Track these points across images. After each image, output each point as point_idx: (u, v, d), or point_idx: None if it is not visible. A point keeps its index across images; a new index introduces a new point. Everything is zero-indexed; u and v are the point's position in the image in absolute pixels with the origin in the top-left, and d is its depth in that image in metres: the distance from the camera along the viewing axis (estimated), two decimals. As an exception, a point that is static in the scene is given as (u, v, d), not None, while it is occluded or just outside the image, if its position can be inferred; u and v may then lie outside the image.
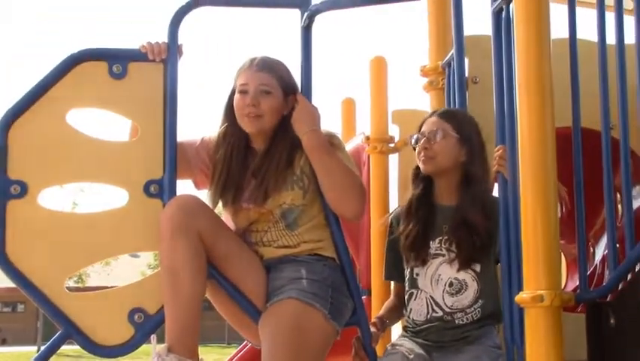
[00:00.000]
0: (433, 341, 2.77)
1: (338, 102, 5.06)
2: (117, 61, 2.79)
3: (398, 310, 2.97)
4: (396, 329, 3.15)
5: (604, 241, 3.65)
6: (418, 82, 3.70)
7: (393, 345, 2.82)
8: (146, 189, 2.76)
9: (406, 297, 2.87)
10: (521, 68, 2.36)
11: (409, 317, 2.86)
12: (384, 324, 2.95)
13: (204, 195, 2.87)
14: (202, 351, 2.68)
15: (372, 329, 2.86)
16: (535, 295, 2.24)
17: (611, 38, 2.58)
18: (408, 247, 2.84)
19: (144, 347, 2.78)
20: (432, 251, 2.82)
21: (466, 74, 3.30)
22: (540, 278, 2.26)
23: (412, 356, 2.70)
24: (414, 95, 4.23)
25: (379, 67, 4.09)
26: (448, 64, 3.43)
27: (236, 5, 3.05)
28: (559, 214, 2.38)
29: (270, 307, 2.66)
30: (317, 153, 2.74)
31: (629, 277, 2.50)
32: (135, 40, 2.85)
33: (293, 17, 2.85)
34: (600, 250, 3.78)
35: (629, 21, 2.58)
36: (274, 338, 2.59)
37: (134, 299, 2.74)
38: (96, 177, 2.85)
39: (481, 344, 2.69)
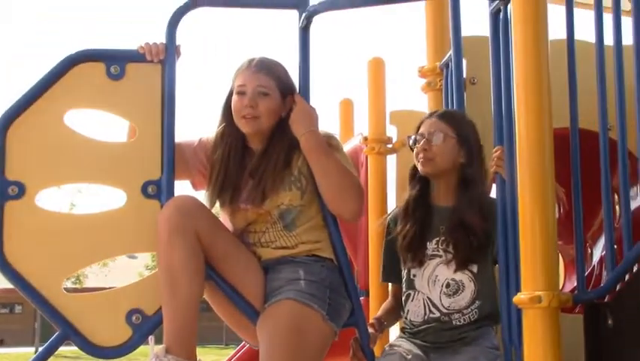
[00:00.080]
0: (430, 342, 2.77)
1: (336, 103, 5.06)
2: (115, 62, 2.79)
3: (396, 311, 2.97)
4: (394, 330, 3.15)
5: (601, 241, 3.65)
6: (415, 83, 3.71)
7: (391, 346, 2.82)
8: (144, 189, 2.75)
9: (403, 298, 2.87)
10: (519, 68, 2.36)
11: (406, 318, 2.86)
12: (382, 325, 2.95)
13: (202, 195, 2.87)
14: (200, 352, 2.68)
15: (370, 330, 2.86)
16: (533, 296, 2.25)
17: (608, 39, 2.58)
18: (405, 247, 2.84)
19: (142, 348, 2.78)
20: (429, 252, 2.82)
21: (464, 75, 3.31)
22: (538, 279, 2.26)
23: (409, 357, 2.70)
24: (412, 96, 4.23)
25: (377, 68, 4.09)
26: (446, 65, 3.44)
27: (234, 6, 3.05)
28: (556, 215, 2.39)
29: (268, 308, 2.66)
30: (315, 153, 2.74)
31: (627, 277, 2.50)
32: (136, 41, 2.84)
33: (291, 18, 2.86)
34: (598, 251, 3.78)
35: (626, 22, 2.58)
36: (272, 339, 2.59)
37: (132, 300, 2.74)
38: (94, 177, 2.85)
39: (478, 345, 2.69)
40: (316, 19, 2.83)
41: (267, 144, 2.82)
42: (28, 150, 2.73)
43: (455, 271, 2.77)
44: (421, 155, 2.82)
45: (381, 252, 3.04)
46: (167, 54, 2.79)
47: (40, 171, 2.75)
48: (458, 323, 2.75)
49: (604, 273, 3.17)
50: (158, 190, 2.75)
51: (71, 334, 2.70)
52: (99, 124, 3.17)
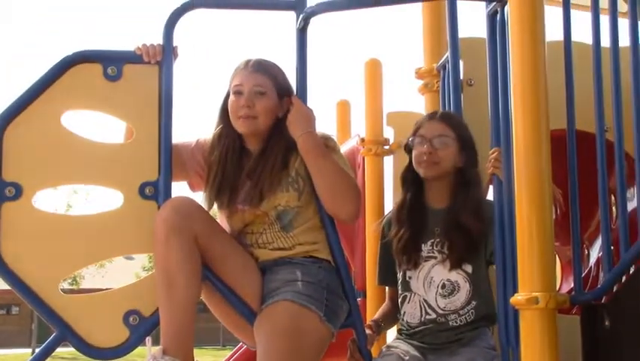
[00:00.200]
0: (427, 343, 2.77)
1: (333, 104, 5.07)
2: (112, 63, 2.79)
3: (393, 314, 2.97)
4: (392, 332, 3.16)
5: (598, 243, 3.66)
6: (412, 84, 3.71)
7: (388, 347, 2.83)
8: (141, 191, 2.75)
9: (400, 300, 2.88)
10: (516, 70, 2.36)
11: (403, 320, 2.87)
12: (380, 328, 2.95)
13: (199, 197, 2.87)
14: (197, 353, 2.67)
15: (368, 331, 2.86)
16: (530, 297, 2.25)
17: (605, 41, 2.58)
18: (400, 250, 2.84)
19: (139, 349, 2.78)
20: (424, 254, 2.82)
21: (461, 77, 3.31)
22: (535, 280, 2.27)
23: (407, 358, 2.70)
24: (409, 98, 4.23)
25: (374, 69, 4.10)
26: (443, 66, 3.44)
27: (231, 7, 3.05)
28: (553, 216, 2.39)
29: (265, 309, 2.66)
30: (312, 155, 2.74)
31: (624, 279, 2.50)
32: (133, 42, 2.84)
33: (288, 19, 2.86)
34: (595, 252, 3.79)
35: (623, 24, 2.58)
36: (269, 340, 2.59)
37: (129, 301, 2.73)
38: (91, 179, 2.85)
39: (475, 346, 2.69)
40: (313, 20, 2.83)
41: (264, 145, 2.83)
42: (25, 151, 2.73)
43: (450, 269, 2.77)
44: (424, 158, 2.82)
45: (377, 254, 3.04)
46: (165, 55, 2.78)
47: (37, 172, 2.74)
48: (455, 324, 2.76)
49: (601, 274, 3.17)
50: (156, 191, 2.75)
51: (68, 335, 2.70)
52: (96, 125, 3.18)
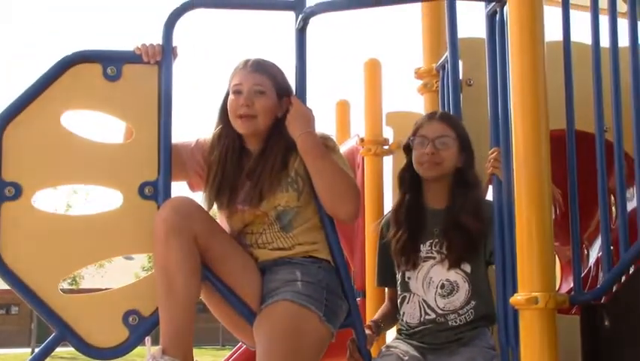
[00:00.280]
0: (427, 343, 2.77)
1: (332, 104, 5.07)
2: (112, 63, 2.79)
3: (392, 315, 2.97)
4: (391, 332, 3.16)
5: (598, 243, 3.66)
6: (412, 84, 3.71)
7: (387, 347, 2.83)
8: (141, 191, 2.75)
9: (399, 301, 2.88)
10: (515, 70, 2.36)
11: (402, 320, 2.87)
12: (379, 328, 2.95)
13: (199, 197, 2.87)
14: (196, 353, 2.68)
15: (367, 331, 2.86)
16: (530, 297, 2.25)
17: (604, 41, 2.58)
18: (398, 251, 2.84)
19: (139, 349, 2.78)
20: (422, 254, 2.82)
21: (460, 77, 3.31)
22: (534, 280, 2.27)
23: (406, 358, 2.70)
24: (408, 98, 4.24)
25: (374, 69, 4.10)
26: (442, 66, 3.44)
27: (231, 7, 3.05)
28: (553, 216, 2.39)
29: (265, 309, 2.66)
30: (311, 155, 2.74)
31: (623, 279, 2.50)
32: (133, 41, 2.84)
33: (288, 19, 2.86)
34: (594, 252, 3.79)
35: (622, 24, 2.58)
36: (269, 340, 2.59)
37: (128, 301, 2.73)
38: (91, 178, 2.85)
39: (475, 346, 2.70)
40: (313, 20, 2.83)
41: (264, 145, 2.83)
42: (25, 150, 2.73)
43: (449, 268, 2.77)
44: (427, 158, 2.82)
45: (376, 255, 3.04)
46: (164, 55, 2.78)
47: (37, 172, 2.74)
48: (454, 324, 2.76)
49: (600, 274, 3.17)
50: (155, 191, 2.75)
51: (68, 335, 2.70)
52: (96, 125, 3.17)
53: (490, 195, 2.77)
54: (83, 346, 2.71)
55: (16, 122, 2.73)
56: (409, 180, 2.90)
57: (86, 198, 26.80)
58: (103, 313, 2.73)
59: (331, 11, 2.88)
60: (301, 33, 2.85)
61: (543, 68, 2.34)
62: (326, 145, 2.79)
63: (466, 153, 2.85)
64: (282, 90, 2.84)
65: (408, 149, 2.90)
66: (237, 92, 2.80)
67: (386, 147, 4.06)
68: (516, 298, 2.30)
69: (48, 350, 2.73)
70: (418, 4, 3.73)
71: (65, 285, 24.47)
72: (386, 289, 3.07)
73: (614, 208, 3.38)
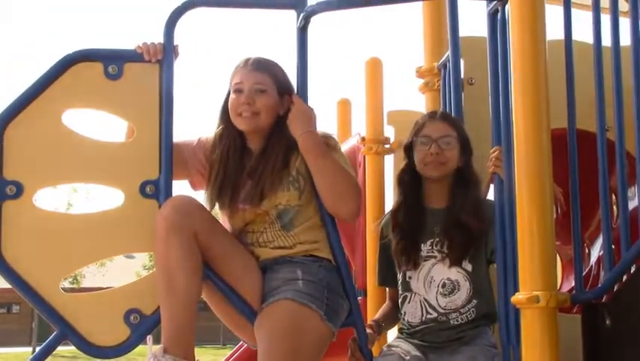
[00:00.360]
0: (428, 341, 2.77)
1: (334, 103, 5.06)
2: (113, 62, 2.79)
3: (394, 314, 2.97)
4: (393, 331, 3.16)
5: (599, 242, 3.66)
6: (413, 83, 3.71)
7: (389, 346, 2.83)
8: (142, 189, 2.75)
9: (400, 300, 2.88)
10: (517, 69, 2.36)
11: (404, 320, 2.87)
12: (381, 328, 2.95)
13: (201, 195, 2.87)
14: (197, 352, 2.67)
15: (368, 330, 2.86)
16: (531, 296, 2.25)
17: (606, 40, 2.58)
18: (399, 251, 2.84)
19: (140, 348, 2.78)
20: (423, 254, 2.82)
21: (462, 76, 3.31)
22: (536, 279, 2.27)
23: (408, 358, 2.70)
24: (409, 96, 4.23)
25: (375, 68, 4.09)
26: (444, 65, 3.44)
27: (232, 6, 3.05)
28: (554, 215, 2.39)
29: (266, 308, 2.66)
30: (312, 154, 2.74)
31: (625, 278, 2.50)
32: (134, 40, 2.84)
33: (289, 18, 2.85)
34: (595, 251, 3.79)
35: (624, 23, 2.58)
36: (270, 339, 2.59)
37: (130, 300, 2.74)
38: (92, 177, 2.85)
39: (477, 345, 2.70)
40: (314, 19, 2.83)
41: (265, 143, 2.83)
42: (26, 149, 2.73)
43: (450, 266, 2.77)
44: (431, 158, 2.82)
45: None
46: (165, 54, 2.78)
47: (38, 171, 2.74)
48: (456, 323, 2.76)
49: (601, 273, 3.18)
50: (156, 190, 2.75)
51: (69, 334, 2.70)
52: (97, 124, 3.17)
53: (491, 194, 2.77)
54: (84, 345, 2.71)
55: (18, 121, 2.73)
56: (408, 181, 2.90)
57: (87, 197, 26.81)
58: (104, 311, 2.73)
59: (332, 10, 2.88)
60: (302, 32, 2.85)
61: (544, 67, 2.34)
62: (327, 144, 2.79)
63: (466, 152, 2.86)
64: (283, 88, 2.84)
65: (409, 149, 2.90)
66: (238, 91, 2.80)
67: (387, 146, 4.06)
68: (517, 297, 2.30)
69: (49, 349, 2.73)
70: (420, 3, 3.73)
71: (66, 284, 24.47)
72: (387, 288, 3.08)
73: (615, 207, 3.38)
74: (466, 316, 2.76)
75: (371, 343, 2.83)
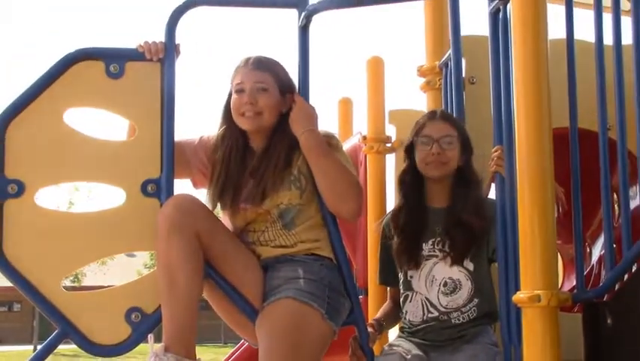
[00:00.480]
0: (430, 340, 2.77)
1: (335, 102, 5.07)
2: (114, 60, 2.79)
3: (395, 313, 2.97)
4: (394, 330, 3.16)
5: (601, 241, 3.66)
6: (414, 82, 3.71)
7: (390, 345, 2.83)
8: (144, 188, 2.75)
9: (401, 299, 2.88)
10: (518, 68, 2.36)
11: (405, 319, 2.87)
12: (382, 326, 2.95)
13: (202, 194, 2.87)
14: (198, 351, 2.68)
15: (369, 329, 2.86)
16: (532, 295, 2.25)
17: (608, 39, 2.58)
18: (400, 252, 2.85)
19: (141, 346, 2.78)
20: (425, 253, 2.83)
21: (463, 75, 3.31)
22: (537, 278, 2.27)
23: (409, 357, 2.70)
24: (411, 95, 4.23)
25: (376, 67, 4.10)
26: (445, 64, 3.44)
27: (233, 5, 3.05)
28: (556, 214, 2.39)
29: (267, 307, 2.66)
30: (314, 153, 2.74)
31: (626, 277, 2.50)
32: (135, 39, 2.85)
33: (290, 17, 2.86)
34: (597, 251, 3.78)
35: (626, 22, 2.58)
36: (271, 338, 2.59)
37: (131, 299, 2.74)
38: (94, 176, 2.85)
39: (478, 343, 2.70)
40: (315, 18, 2.83)
41: (267, 142, 2.82)
42: (27, 148, 2.73)
43: (451, 265, 2.77)
44: (433, 158, 2.82)
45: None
46: (167, 53, 2.78)
47: (39, 170, 2.74)
48: (457, 322, 2.76)
49: (603, 272, 3.17)
50: (158, 189, 2.75)
51: (70, 332, 2.70)
52: (99, 123, 3.17)
53: (492, 194, 2.77)
54: (85, 343, 2.71)
55: (19, 120, 2.73)
56: (409, 181, 2.90)
57: (88, 196, 26.82)
58: (105, 310, 2.73)
59: (334, 9, 2.88)
60: (304, 31, 2.85)
61: (546, 66, 2.34)
62: (329, 143, 2.78)
63: (467, 151, 2.86)
64: (284, 86, 2.84)
65: (410, 149, 2.90)
66: (240, 91, 2.80)
67: (388, 145, 4.06)
68: (518, 296, 2.30)
69: (50, 348, 2.74)
70: (421, 2, 3.73)
71: (67, 282, 24.49)
72: (388, 288, 3.08)
73: (616, 206, 3.38)
74: (468, 315, 2.76)
75: (372, 342, 2.84)
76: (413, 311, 2.83)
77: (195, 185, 2.93)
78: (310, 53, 2.86)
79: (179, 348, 2.55)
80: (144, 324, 2.72)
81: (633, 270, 2.53)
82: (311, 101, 2.84)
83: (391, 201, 3.98)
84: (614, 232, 2.60)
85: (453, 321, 2.76)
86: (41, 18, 63.63)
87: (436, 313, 2.78)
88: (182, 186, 2.89)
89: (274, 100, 2.80)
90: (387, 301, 3.06)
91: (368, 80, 4.09)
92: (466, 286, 2.78)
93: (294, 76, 2.87)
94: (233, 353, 4.43)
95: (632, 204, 3.19)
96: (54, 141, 2.76)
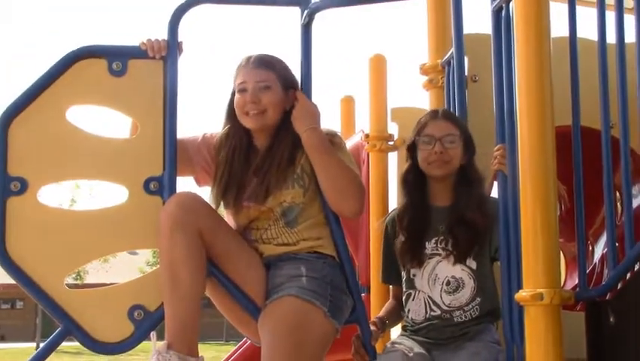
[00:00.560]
0: (432, 338, 2.78)
1: (337, 100, 5.07)
2: (117, 58, 2.79)
3: (397, 312, 2.98)
4: (396, 328, 3.16)
5: (603, 239, 3.65)
6: (417, 80, 3.71)
7: (392, 343, 2.83)
8: (146, 186, 2.76)
9: (404, 298, 2.88)
10: (521, 66, 2.36)
11: (407, 317, 2.87)
12: (384, 325, 2.96)
13: (205, 191, 2.87)
14: (200, 348, 2.68)
15: (372, 327, 2.86)
16: (535, 293, 2.25)
17: (611, 37, 2.58)
18: (404, 250, 2.85)
19: (144, 344, 2.78)
20: (428, 252, 2.83)
21: (466, 73, 3.30)
22: (539, 276, 2.26)
23: (411, 355, 2.70)
24: (413, 93, 4.23)
25: (379, 65, 4.09)
26: (448, 62, 3.43)
27: (236, 3, 3.05)
28: (558, 213, 2.38)
29: (270, 305, 2.66)
30: (316, 151, 2.74)
31: (629, 275, 2.50)
32: (138, 37, 2.85)
33: (293, 15, 2.85)
34: (599, 249, 3.78)
35: (629, 20, 2.58)
36: (274, 336, 2.59)
37: (134, 296, 2.74)
38: (96, 174, 2.85)
39: (480, 341, 2.70)
40: (318, 16, 2.83)
41: (271, 140, 2.83)
42: (30, 145, 2.73)
43: (454, 263, 2.77)
44: (436, 157, 2.82)
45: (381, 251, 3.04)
46: (169, 50, 2.78)
47: (42, 167, 2.75)
48: (459, 320, 2.76)
49: (605, 271, 3.17)
50: (160, 186, 2.75)
51: (73, 329, 2.70)
52: (101, 120, 3.18)
53: (495, 192, 2.77)
54: (88, 340, 2.72)
55: (22, 118, 2.73)
56: (412, 180, 2.90)
57: (91, 194, 26.84)
58: (108, 308, 2.73)
59: (336, 7, 2.88)
60: (306, 29, 2.85)
61: (549, 65, 2.33)
62: (332, 142, 2.78)
63: (469, 150, 2.86)
64: (287, 83, 2.84)
65: (412, 148, 2.90)
66: (243, 91, 2.80)
67: (391, 143, 4.05)
68: (521, 295, 2.30)
69: (53, 345, 2.74)
70: (423, 0, 3.73)
71: (70, 280, 24.50)
72: (391, 286, 3.08)
73: (619, 205, 3.37)
74: (470, 313, 2.76)
75: (375, 340, 2.84)
76: (416, 310, 2.83)
77: (198, 183, 2.94)
78: (313, 50, 2.86)
79: (181, 346, 2.55)
80: (147, 322, 2.72)
81: (636, 268, 2.52)
82: (313, 99, 2.84)
83: (394, 199, 3.98)
84: (617, 230, 2.60)
85: (455, 319, 2.76)
86: (41, 18, 63.70)
87: (439, 312, 2.78)
88: (185, 183, 2.90)
89: (277, 97, 2.80)
90: (389, 300, 3.07)
91: (370, 78, 4.08)
92: (469, 284, 2.78)
93: (297, 74, 2.87)
94: (235, 351, 4.43)
95: (635, 203, 3.20)
96: (57, 139, 2.76)
